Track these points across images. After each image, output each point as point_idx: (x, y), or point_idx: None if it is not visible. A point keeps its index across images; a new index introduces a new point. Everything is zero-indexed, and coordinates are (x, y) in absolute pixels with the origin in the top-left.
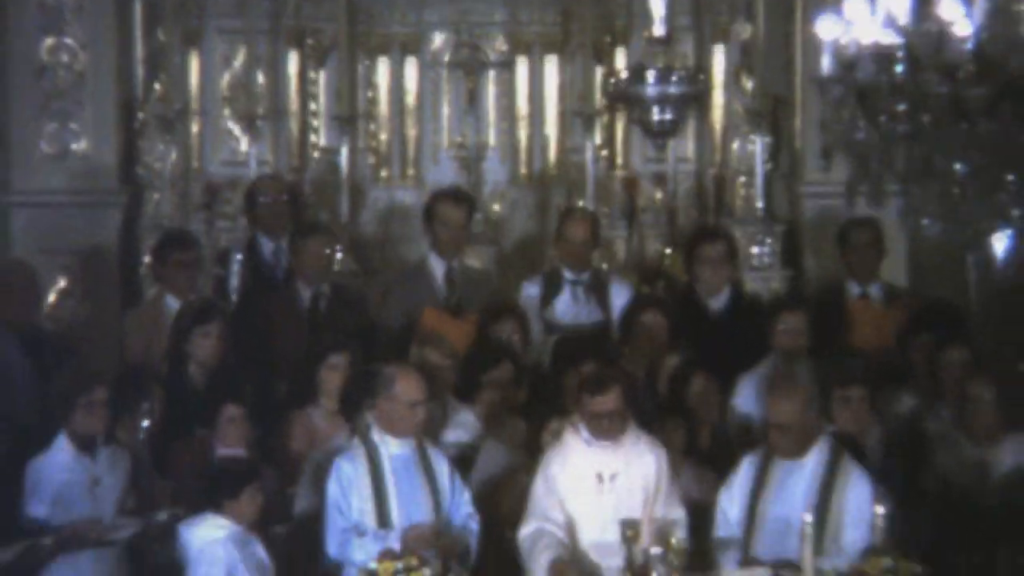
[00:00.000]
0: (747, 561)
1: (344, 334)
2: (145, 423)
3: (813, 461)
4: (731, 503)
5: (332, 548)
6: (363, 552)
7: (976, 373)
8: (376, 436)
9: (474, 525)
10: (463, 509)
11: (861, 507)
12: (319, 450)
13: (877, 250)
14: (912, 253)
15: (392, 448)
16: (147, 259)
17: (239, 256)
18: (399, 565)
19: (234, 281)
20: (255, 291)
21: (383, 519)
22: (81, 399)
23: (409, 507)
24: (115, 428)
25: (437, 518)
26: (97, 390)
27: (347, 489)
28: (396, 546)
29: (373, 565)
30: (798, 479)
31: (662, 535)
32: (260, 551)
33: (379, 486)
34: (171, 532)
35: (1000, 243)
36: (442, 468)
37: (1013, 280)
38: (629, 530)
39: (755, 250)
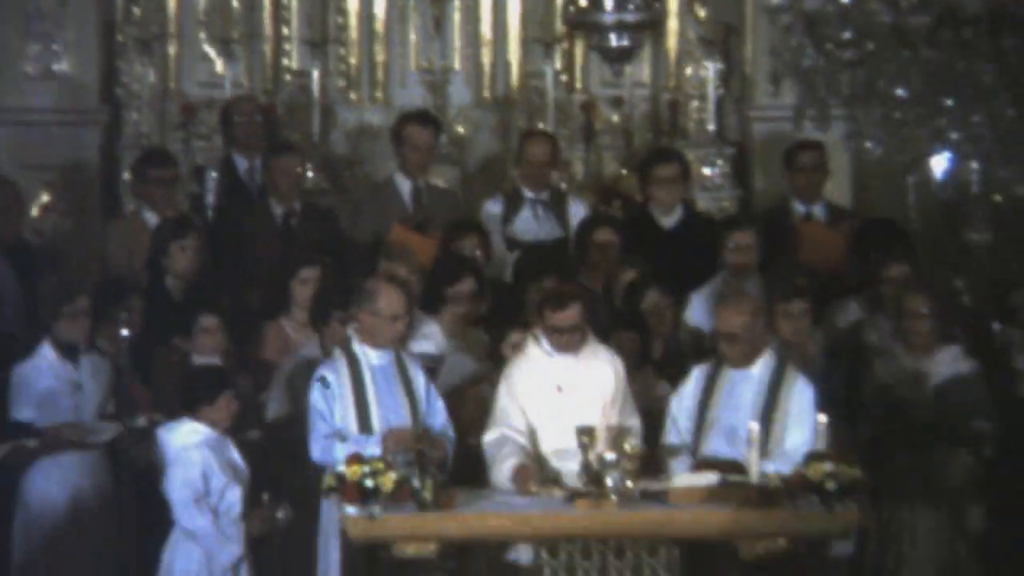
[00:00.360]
0: (698, 465)
1: (315, 249)
2: (125, 332)
3: (760, 370)
4: (681, 411)
5: (316, 453)
6: (344, 455)
7: (914, 288)
8: (357, 347)
9: (451, 434)
10: (439, 417)
11: (803, 414)
12: (290, 358)
13: (821, 172)
14: (856, 174)
15: (372, 359)
16: (127, 175)
17: (214, 174)
18: (366, 468)
19: (210, 197)
20: (230, 207)
21: (364, 425)
22: (64, 308)
23: (389, 413)
24: (96, 336)
25: (415, 423)
26: (79, 300)
27: (330, 397)
28: (377, 450)
29: (341, 468)
30: (745, 387)
31: (617, 442)
32: (234, 454)
33: (360, 394)
34: (149, 436)
35: (939, 165)
36: (419, 378)
37: (951, 200)
38: (585, 436)
39: (707, 171)
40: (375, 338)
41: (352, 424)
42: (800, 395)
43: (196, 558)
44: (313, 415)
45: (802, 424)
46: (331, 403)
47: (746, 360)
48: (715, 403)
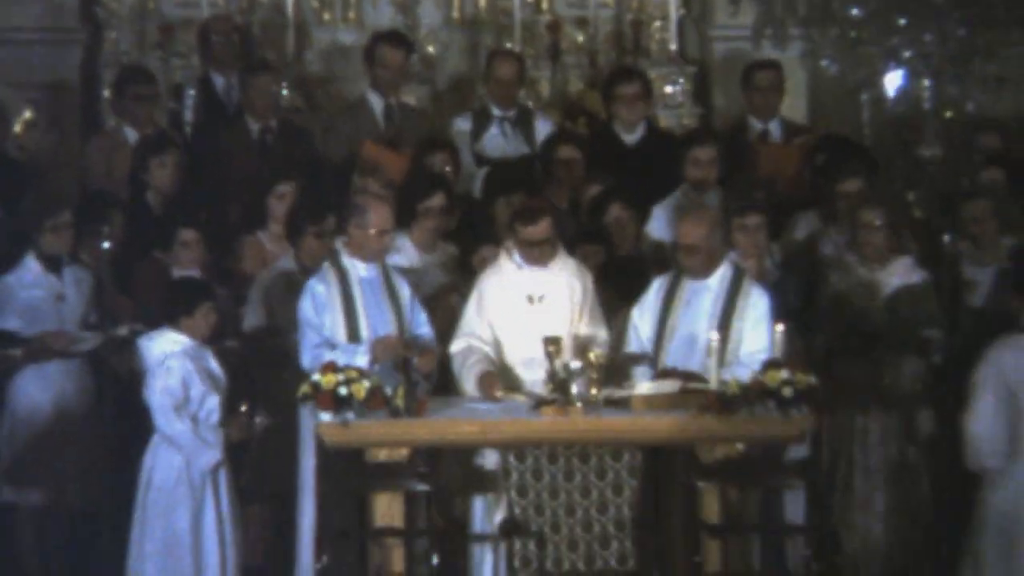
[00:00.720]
0: (660, 374)
1: (290, 165)
2: (106, 244)
3: (717, 281)
4: (643, 321)
5: (306, 361)
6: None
7: (868, 202)
8: (346, 260)
9: (435, 344)
10: (424, 328)
11: (760, 322)
12: (267, 271)
13: (777, 90)
14: (812, 91)
15: (361, 271)
16: (107, 93)
17: (192, 92)
18: (340, 377)
19: (188, 114)
20: (208, 124)
21: (353, 334)
22: (47, 222)
23: (376, 323)
24: (79, 249)
25: (401, 333)
26: (62, 214)
27: (320, 308)
28: (366, 357)
29: (317, 377)
30: (704, 298)
31: (582, 351)
32: (212, 363)
33: (349, 304)
34: (130, 345)
35: (892, 83)
36: (404, 290)
37: (903, 116)
38: (551, 345)
39: (668, 89)
40: (363, 252)
41: (341, 333)
42: (756, 304)
43: (176, 463)
44: (303, 326)
45: (758, 332)
46: (321, 314)
47: (705, 271)
48: (675, 313)
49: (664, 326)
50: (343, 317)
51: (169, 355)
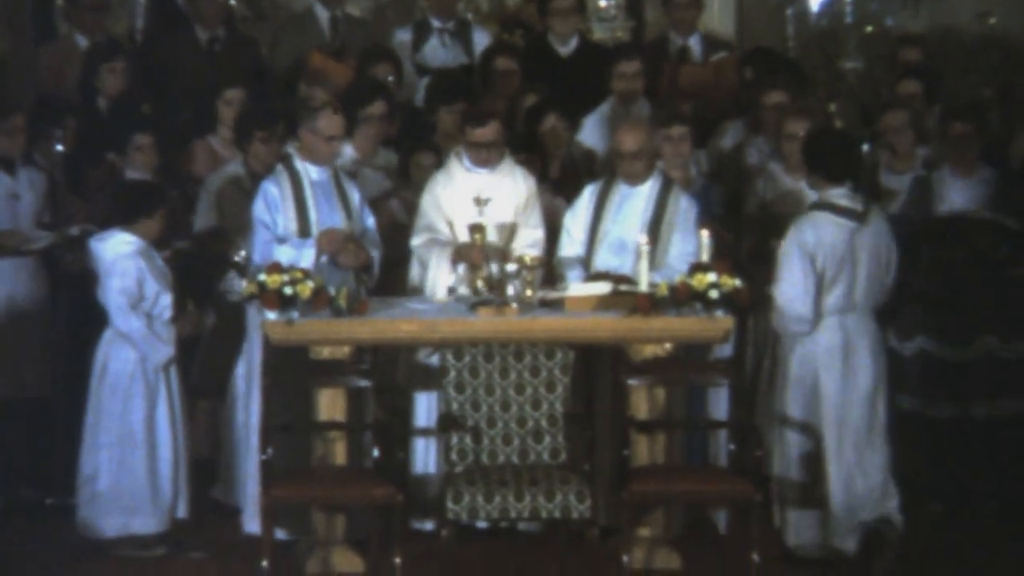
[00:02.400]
0: (593, 276)
1: (238, 72)
2: (59, 147)
3: (648, 188)
4: (575, 225)
5: (257, 256)
6: (284, 255)
7: (792, 112)
8: (299, 163)
9: (378, 239)
10: (370, 231)
11: (688, 227)
12: (216, 174)
13: (695, 6)
14: (739, 6)
15: (312, 174)
16: (59, 1)
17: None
18: (285, 277)
19: (139, 22)
20: (159, 32)
21: (304, 231)
22: (1, 124)
23: (326, 222)
24: (33, 151)
25: (351, 232)
26: (15, 117)
27: (272, 207)
28: (314, 250)
29: (262, 276)
30: (635, 203)
31: (515, 251)
32: (159, 261)
33: (301, 204)
34: (83, 244)
35: None
36: (353, 193)
37: (826, 30)
38: (476, 232)
39: (602, 3)
40: (314, 155)
41: (293, 232)
42: (686, 211)
43: (131, 358)
44: (256, 224)
45: (686, 237)
46: (274, 213)
47: (643, 177)
48: (606, 218)
49: (596, 231)
50: (295, 216)
51: (123, 255)
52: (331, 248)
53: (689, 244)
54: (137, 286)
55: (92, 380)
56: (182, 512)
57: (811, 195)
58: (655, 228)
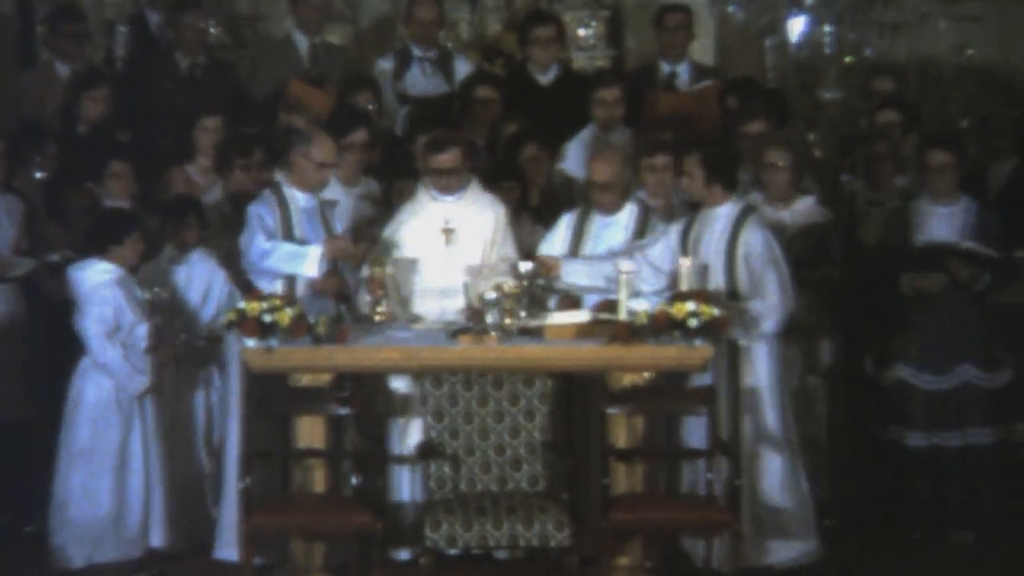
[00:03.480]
0: (563, 300)
1: (217, 100)
2: (39, 174)
3: (625, 216)
4: (552, 253)
5: (254, 254)
6: (284, 250)
7: (772, 142)
8: (287, 190)
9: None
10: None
11: (665, 256)
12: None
13: (686, 33)
14: (719, 36)
15: (300, 201)
16: (40, 28)
17: (123, 28)
18: (264, 304)
19: (119, 50)
20: (140, 59)
21: None
22: None
23: None
24: (12, 177)
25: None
26: None
27: (266, 215)
28: (319, 250)
29: (242, 304)
30: (613, 232)
31: (497, 281)
32: (137, 290)
33: (288, 230)
34: (62, 271)
35: (795, 28)
36: (337, 223)
37: (805, 60)
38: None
39: (582, 32)
40: (303, 182)
41: None
42: (662, 239)
43: (105, 387)
44: (252, 223)
45: (664, 267)
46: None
47: (617, 207)
48: (585, 246)
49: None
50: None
51: (102, 284)
52: (336, 254)
53: (662, 276)
54: (114, 315)
55: (66, 407)
56: (158, 541)
57: (791, 226)
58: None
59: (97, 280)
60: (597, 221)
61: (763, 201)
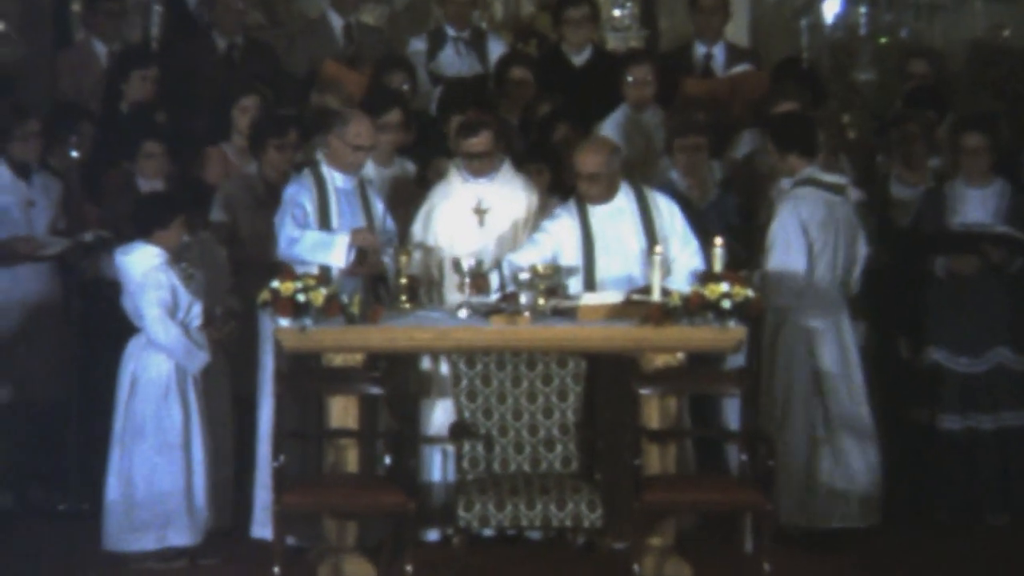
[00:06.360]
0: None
1: (254, 79)
2: (74, 153)
3: (625, 201)
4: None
5: (283, 241)
6: (312, 238)
7: None
8: (325, 170)
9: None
10: (393, 241)
11: (677, 223)
12: (230, 180)
13: (721, 14)
14: (753, 17)
15: (338, 181)
16: (76, 7)
17: (159, 7)
18: (299, 284)
19: (154, 30)
20: (177, 39)
21: None
22: (16, 130)
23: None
24: (48, 157)
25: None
26: (31, 122)
27: (303, 196)
28: (346, 238)
29: (276, 283)
30: (621, 218)
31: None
32: (183, 271)
33: (324, 210)
34: (97, 250)
35: (830, 9)
36: (378, 204)
37: (840, 42)
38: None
39: (616, 12)
40: (340, 163)
41: None
42: (670, 209)
43: (164, 368)
44: (286, 206)
45: (683, 234)
46: (302, 200)
47: (605, 197)
48: (600, 237)
49: (591, 246)
50: (317, 221)
51: (153, 268)
52: (362, 242)
53: (689, 239)
54: (172, 297)
55: (120, 391)
56: (211, 523)
57: None
58: (651, 234)
59: (149, 264)
60: (599, 211)
61: None
